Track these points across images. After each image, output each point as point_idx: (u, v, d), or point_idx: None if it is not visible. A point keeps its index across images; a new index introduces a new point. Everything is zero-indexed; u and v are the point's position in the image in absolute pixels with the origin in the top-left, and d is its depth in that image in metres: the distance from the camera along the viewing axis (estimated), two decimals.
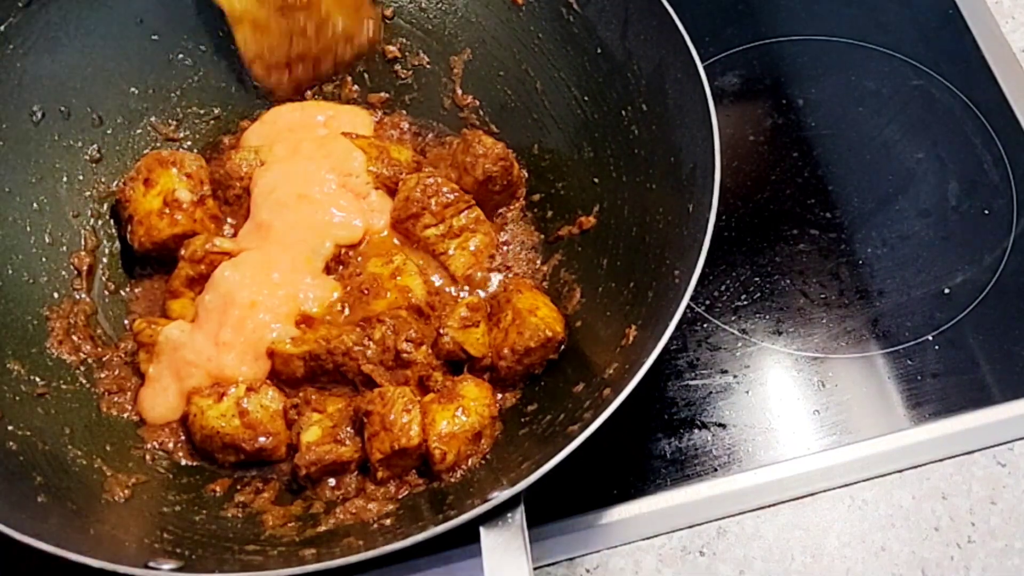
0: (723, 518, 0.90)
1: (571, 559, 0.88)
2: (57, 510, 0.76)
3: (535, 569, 0.87)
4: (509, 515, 0.70)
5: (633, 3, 0.91)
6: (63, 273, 0.93)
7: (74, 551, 0.68)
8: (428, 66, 1.05)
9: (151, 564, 0.70)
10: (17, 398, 0.84)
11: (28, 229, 0.92)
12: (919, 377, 0.96)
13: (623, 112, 0.94)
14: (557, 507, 0.89)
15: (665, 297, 0.80)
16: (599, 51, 0.95)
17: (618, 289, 0.90)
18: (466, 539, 0.71)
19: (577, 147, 0.98)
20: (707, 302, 1.01)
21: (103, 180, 0.98)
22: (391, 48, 1.05)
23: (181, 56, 1.01)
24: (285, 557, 0.76)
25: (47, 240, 0.93)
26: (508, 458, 0.82)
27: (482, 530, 0.70)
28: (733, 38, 1.17)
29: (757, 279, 1.02)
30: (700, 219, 0.80)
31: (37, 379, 0.86)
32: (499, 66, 1.02)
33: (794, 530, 0.90)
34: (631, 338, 0.83)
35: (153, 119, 1.01)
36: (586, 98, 0.98)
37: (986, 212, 1.06)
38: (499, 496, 0.69)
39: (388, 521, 0.80)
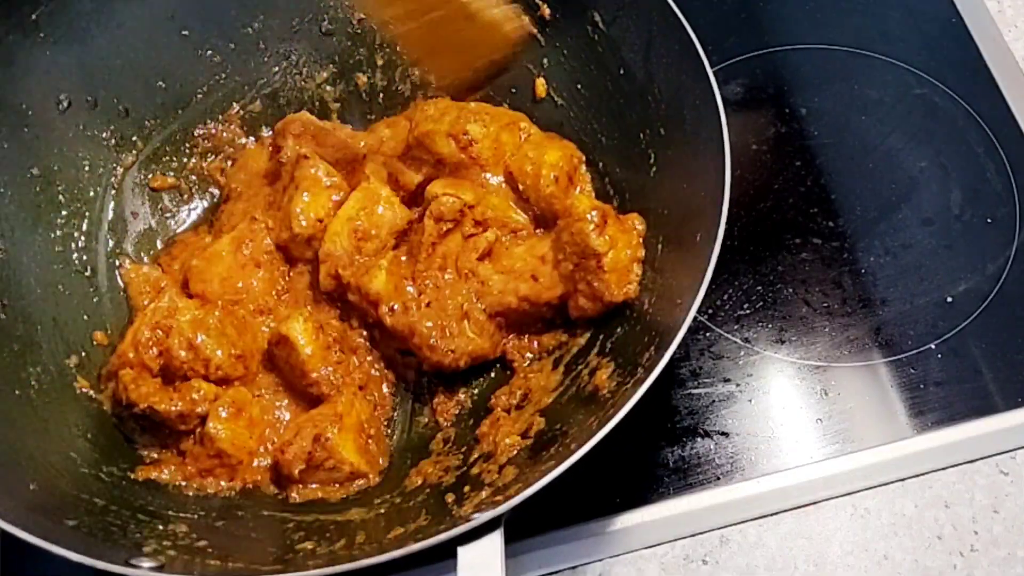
0: (726, 527, 0.90)
1: (573, 568, 0.88)
2: (47, 500, 0.76)
3: None
4: (488, 536, 0.69)
5: (657, 26, 0.90)
6: (74, 258, 0.94)
7: (59, 544, 0.68)
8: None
9: (132, 561, 0.70)
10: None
11: (49, 215, 0.93)
12: (922, 386, 0.97)
13: (641, 135, 0.94)
14: (560, 515, 0.89)
15: (666, 322, 0.80)
16: (622, 71, 0.95)
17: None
18: (441, 556, 0.70)
19: (594, 167, 0.99)
20: (710, 311, 1.01)
21: (121, 170, 0.99)
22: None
23: (210, 52, 1.02)
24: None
25: (64, 226, 0.94)
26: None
27: (459, 549, 0.69)
28: (736, 47, 1.17)
29: (760, 288, 1.02)
30: (706, 248, 0.79)
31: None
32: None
33: (797, 539, 0.90)
34: None
35: (179, 112, 1.02)
36: (605, 119, 0.98)
37: (989, 221, 1.06)
38: (480, 517, 0.69)
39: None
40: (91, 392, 0.89)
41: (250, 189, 1.01)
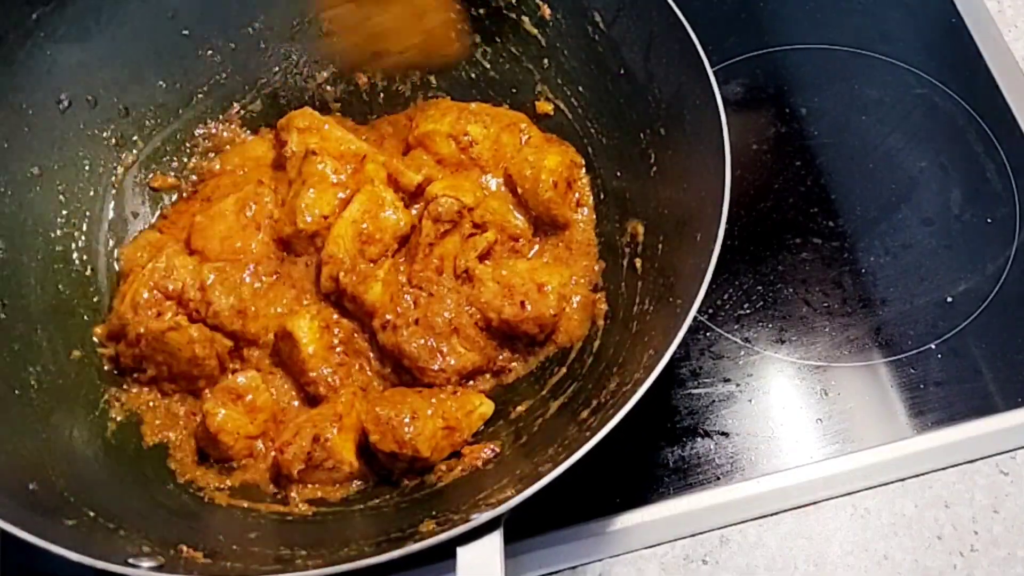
0: (726, 527, 0.90)
1: (573, 568, 0.88)
2: (47, 500, 0.76)
3: None
4: (488, 536, 0.69)
5: (657, 27, 0.90)
6: (75, 258, 0.94)
7: (59, 544, 0.68)
8: (453, 76, 1.06)
9: (131, 561, 0.70)
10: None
11: (49, 215, 0.93)
12: (922, 386, 0.97)
13: (641, 135, 0.94)
14: (560, 515, 0.89)
15: (665, 324, 0.80)
16: (622, 72, 0.95)
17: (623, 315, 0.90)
18: (441, 556, 0.70)
19: (591, 167, 0.99)
20: (710, 310, 1.01)
21: (122, 169, 0.99)
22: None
23: (211, 52, 1.02)
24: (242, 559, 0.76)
25: (64, 225, 0.94)
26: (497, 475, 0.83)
27: (459, 550, 0.69)
28: (736, 47, 1.17)
29: (760, 288, 1.02)
30: (706, 249, 0.79)
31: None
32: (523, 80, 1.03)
33: (797, 539, 0.90)
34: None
35: (179, 112, 1.02)
36: (605, 119, 0.98)
37: (989, 221, 1.06)
38: (479, 517, 0.69)
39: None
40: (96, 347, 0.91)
41: (243, 168, 1.01)
